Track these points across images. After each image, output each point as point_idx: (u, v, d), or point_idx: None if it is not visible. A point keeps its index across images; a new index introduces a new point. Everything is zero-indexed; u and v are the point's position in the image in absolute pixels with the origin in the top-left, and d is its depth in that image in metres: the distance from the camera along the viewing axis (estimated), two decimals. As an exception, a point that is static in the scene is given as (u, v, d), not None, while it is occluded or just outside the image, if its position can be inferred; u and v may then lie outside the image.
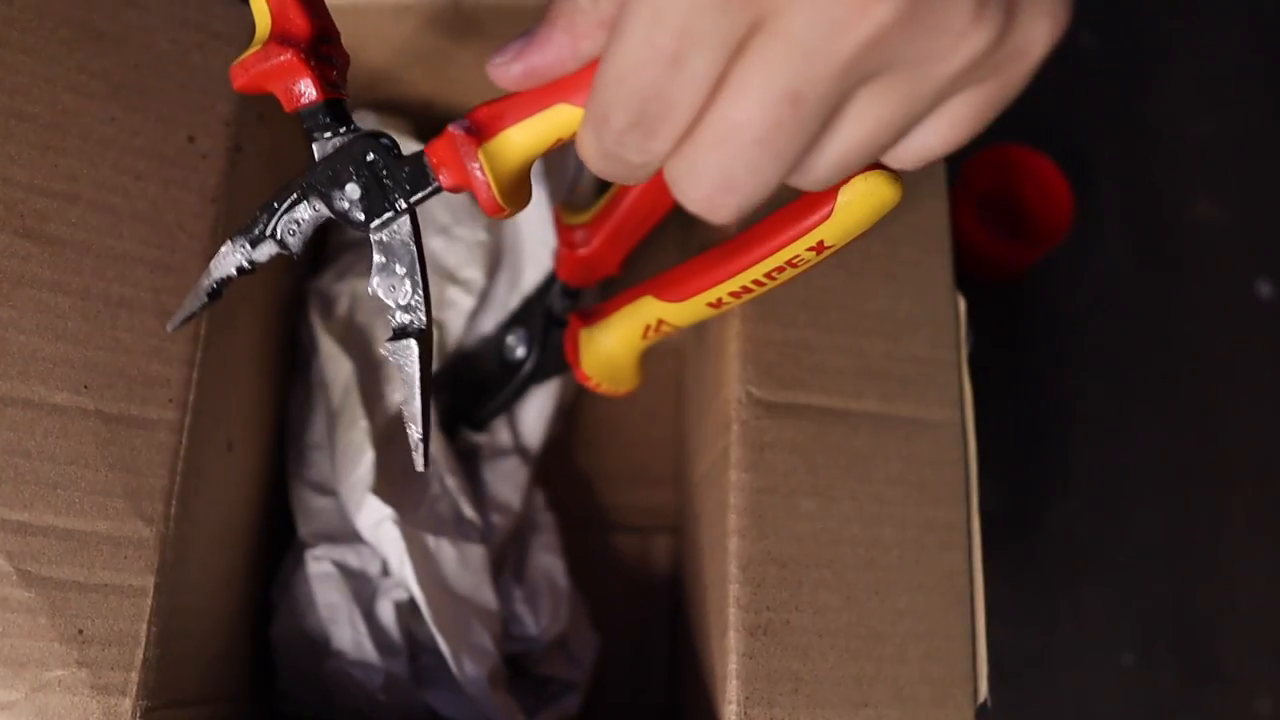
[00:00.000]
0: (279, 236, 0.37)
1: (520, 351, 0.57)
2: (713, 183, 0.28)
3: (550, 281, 0.56)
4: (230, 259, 0.37)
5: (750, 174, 0.27)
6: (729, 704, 0.43)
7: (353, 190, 0.35)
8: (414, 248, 0.35)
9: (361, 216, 0.35)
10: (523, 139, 0.33)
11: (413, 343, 0.36)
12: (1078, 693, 0.76)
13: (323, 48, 0.36)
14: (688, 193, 0.29)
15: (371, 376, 0.56)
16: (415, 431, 0.37)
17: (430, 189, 0.35)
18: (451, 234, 0.58)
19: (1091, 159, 0.86)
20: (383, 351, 0.38)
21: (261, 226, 0.37)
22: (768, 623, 0.44)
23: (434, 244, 0.58)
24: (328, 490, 0.55)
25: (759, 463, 0.46)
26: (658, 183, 0.47)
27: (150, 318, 0.44)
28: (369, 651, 0.52)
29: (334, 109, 0.36)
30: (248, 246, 0.37)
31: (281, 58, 0.35)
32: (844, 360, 0.48)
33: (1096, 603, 0.78)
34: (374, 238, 0.35)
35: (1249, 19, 0.92)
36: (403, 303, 0.36)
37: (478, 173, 0.33)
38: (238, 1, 0.50)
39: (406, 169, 0.35)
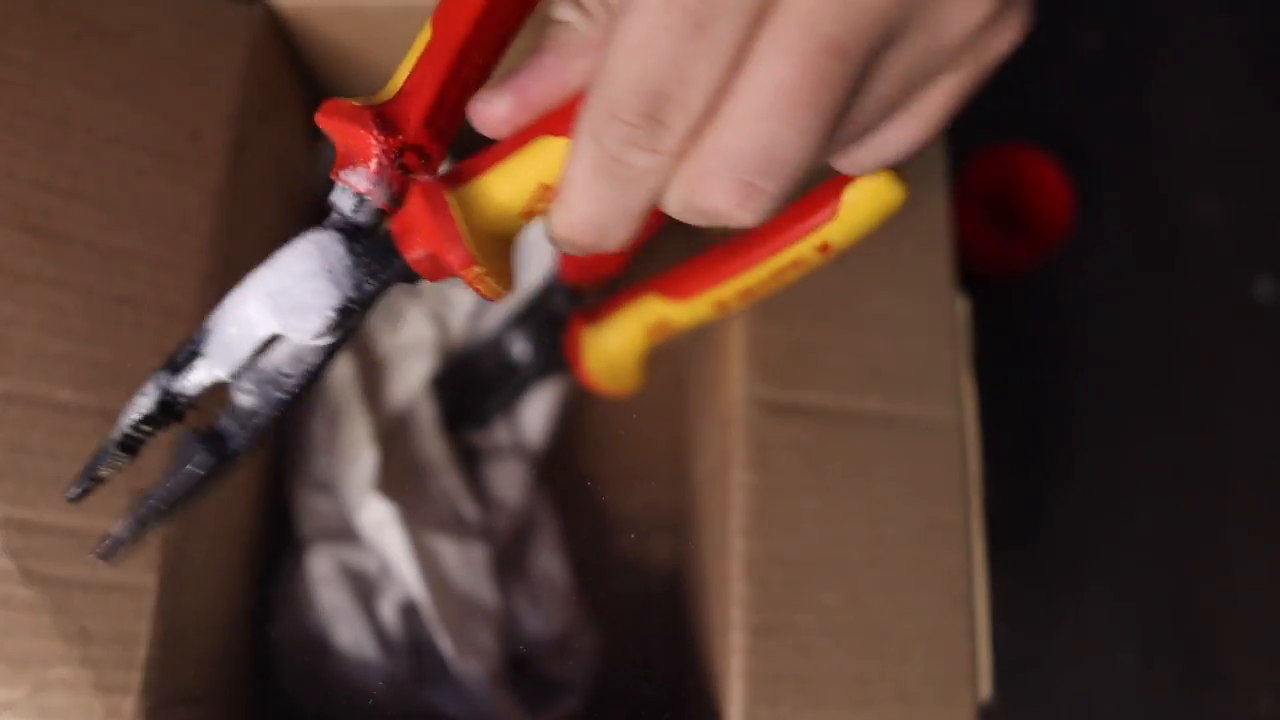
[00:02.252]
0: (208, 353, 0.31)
1: (522, 351, 0.57)
2: (749, 167, 0.25)
3: (551, 281, 0.56)
4: (143, 400, 0.32)
5: (794, 146, 0.25)
6: (733, 703, 0.43)
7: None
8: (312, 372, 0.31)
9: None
10: (501, 185, 0.29)
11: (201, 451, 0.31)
12: (1078, 693, 0.76)
13: (409, 155, 0.31)
14: (712, 193, 0.26)
15: (371, 375, 0.56)
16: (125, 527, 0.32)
17: (389, 273, 0.30)
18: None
19: (1092, 159, 0.86)
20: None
21: (191, 346, 0.31)
22: (771, 622, 0.44)
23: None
24: (328, 489, 0.55)
25: (762, 462, 0.46)
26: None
27: (153, 315, 0.44)
28: (370, 651, 0.52)
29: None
30: (168, 377, 0.32)
31: (360, 126, 0.30)
32: (846, 360, 0.48)
33: (1096, 603, 0.78)
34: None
35: (1249, 19, 0.92)
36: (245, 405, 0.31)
37: (448, 224, 0.28)
38: (241, 0, 0.50)
39: (366, 252, 0.30)
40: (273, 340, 0.30)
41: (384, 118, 0.31)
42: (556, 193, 0.27)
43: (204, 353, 0.31)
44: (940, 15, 0.25)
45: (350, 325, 0.30)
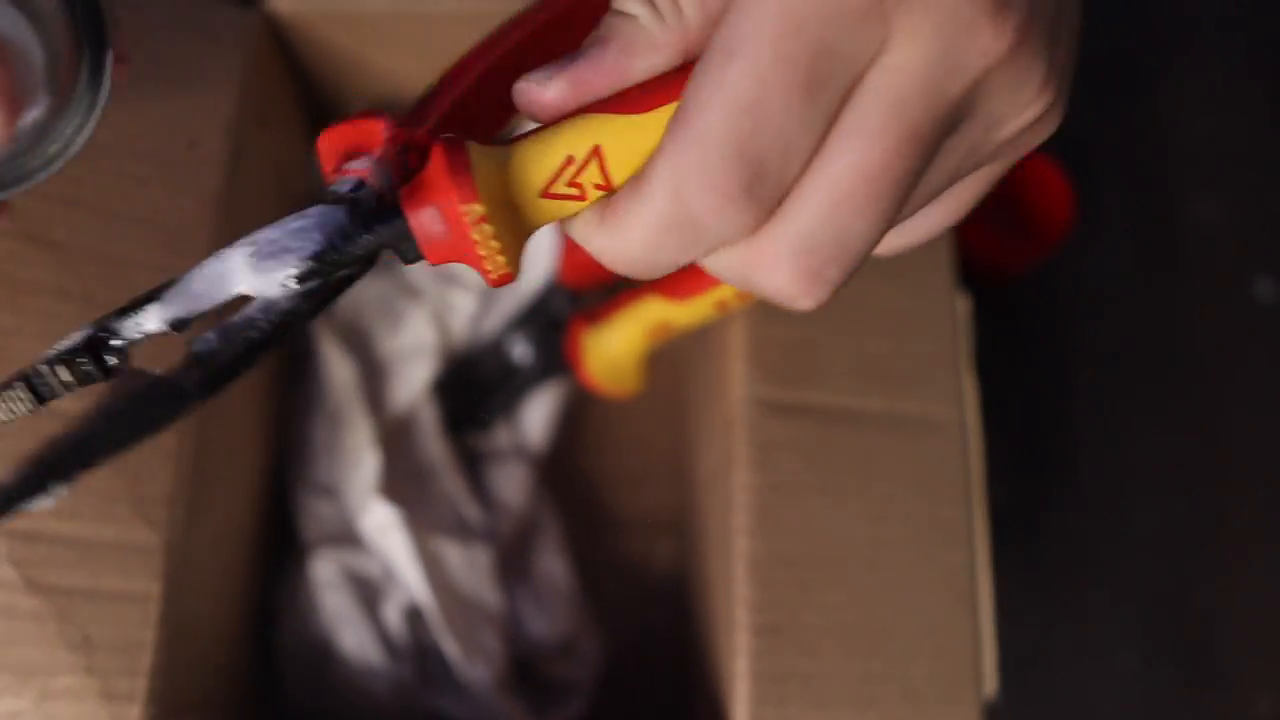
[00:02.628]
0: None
1: (522, 354, 0.57)
2: (822, 255, 0.24)
3: (551, 283, 0.56)
4: (73, 335, 0.26)
5: (866, 237, 0.24)
6: (738, 703, 0.43)
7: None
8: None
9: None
10: (527, 153, 0.26)
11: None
12: (1078, 693, 0.76)
13: (413, 155, 0.27)
14: (778, 275, 0.25)
15: (373, 379, 0.56)
16: None
17: (385, 232, 0.26)
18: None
19: (1091, 159, 0.86)
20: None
21: (149, 294, 0.27)
22: (776, 622, 0.44)
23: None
24: (331, 493, 0.55)
25: (765, 462, 0.46)
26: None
27: (154, 322, 0.43)
28: (375, 655, 0.52)
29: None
30: (109, 319, 0.27)
31: (371, 119, 0.27)
32: (848, 359, 0.48)
33: (1096, 603, 0.78)
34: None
35: (1249, 20, 0.92)
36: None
37: (462, 171, 0.25)
38: (238, 5, 0.50)
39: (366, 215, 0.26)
40: (243, 301, 0.26)
41: (399, 117, 0.29)
42: (609, 210, 0.26)
43: (162, 299, 0.26)
44: (997, 108, 0.25)
45: (330, 281, 0.26)
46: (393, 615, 0.52)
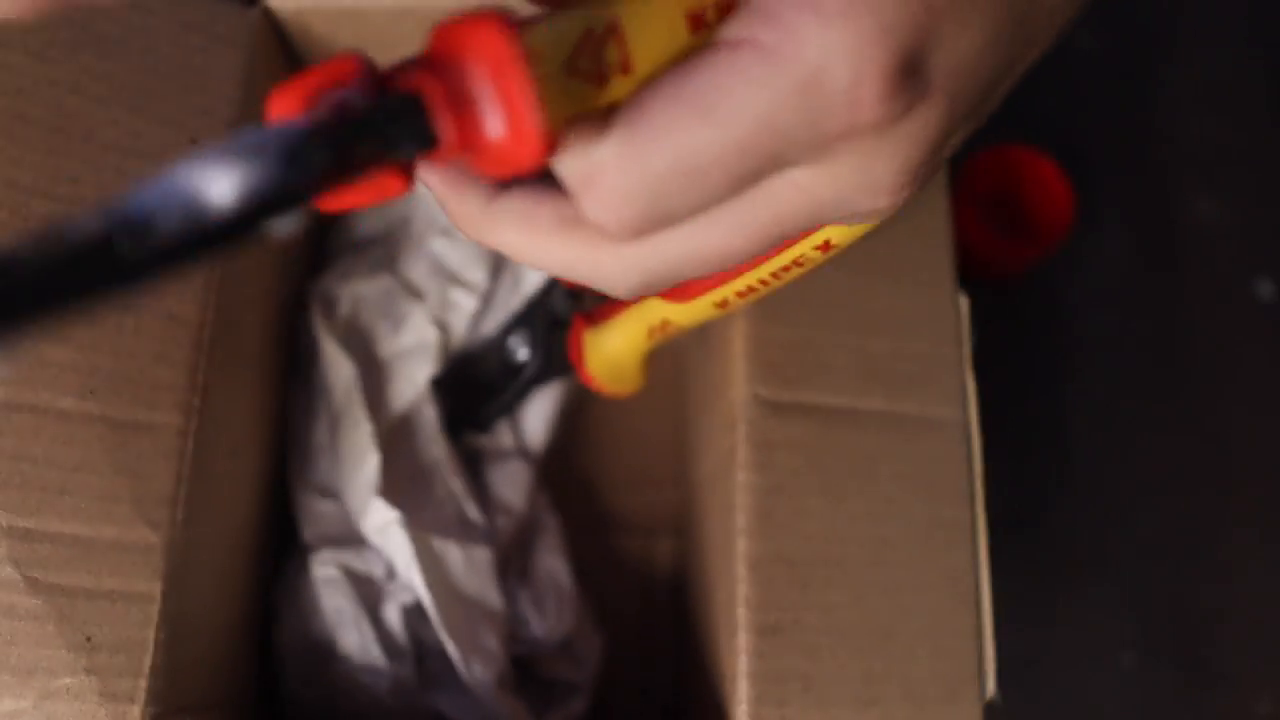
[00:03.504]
0: None
1: (523, 354, 0.57)
2: (657, 272, 0.27)
3: (552, 283, 0.56)
4: None
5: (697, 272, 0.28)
6: (739, 704, 0.43)
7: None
8: None
9: None
10: (556, 19, 0.23)
11: None
12: (1078, 693, 0.76)
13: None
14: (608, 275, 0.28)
15: (373, 378, 0.56)
16: None
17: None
18: (455, 235, 0.58)
19: (1091, 159, 0.86)
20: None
21: None
22: (777, 622, 0.44)
23: (437, 245, 0.58)
24: (331, 494, 0.55)
25: (765, 462, 0.46)
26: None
27: (155, 322, 0.44)
28: (375, 655, 0.52)
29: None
30: None
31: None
32: (848, 359, 0.49)
33: (1096, 603, 0.78)
34: None
35: (1249, 20, 0.92)
36: None
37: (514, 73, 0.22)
38: (239, 4, 0.50)
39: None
40: None
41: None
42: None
43: None
44: (857, 215, 0.27)
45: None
46: (393, 615, 0.52)
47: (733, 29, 0.24)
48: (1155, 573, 0.79)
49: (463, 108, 0.22)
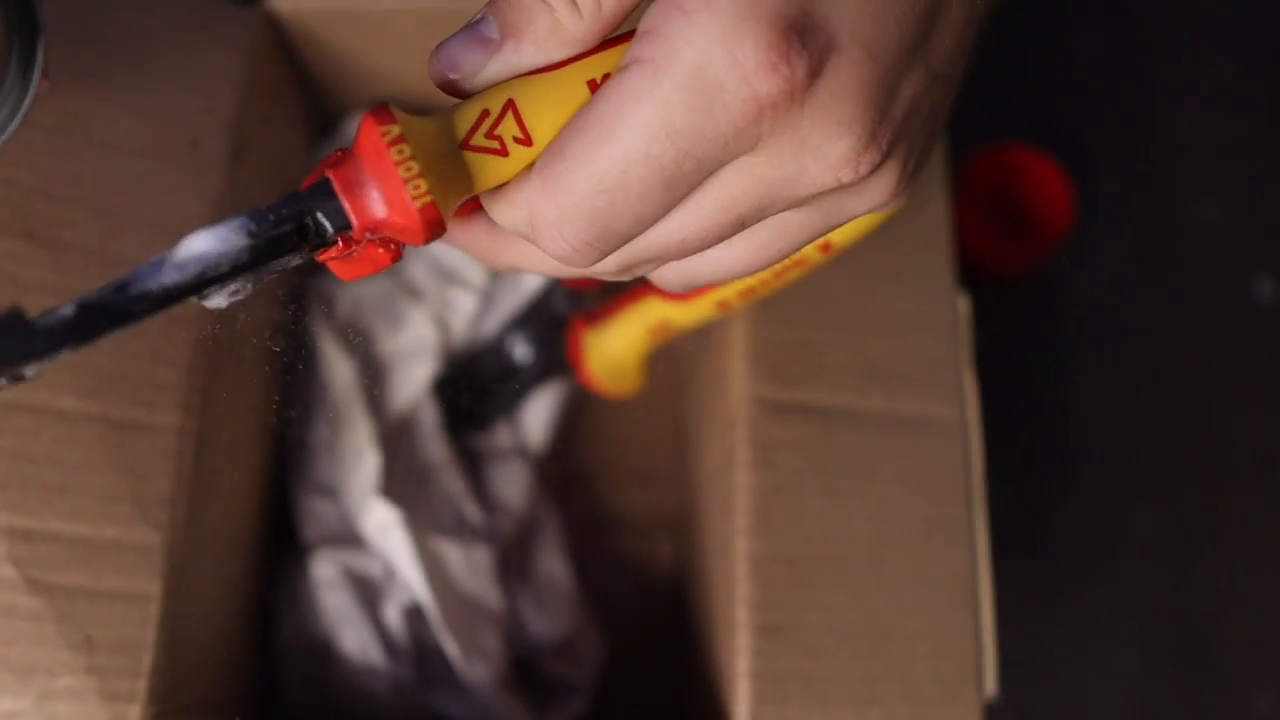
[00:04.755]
0: None
1: (523, 353, 0.57)
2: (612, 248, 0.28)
3: (552, 283, 0.56)
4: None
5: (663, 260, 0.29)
6: (739, 704, 0.43)
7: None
8: None
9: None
10: (454, 109, 0.27)
11: None
12: (1078, 693, 0.76)
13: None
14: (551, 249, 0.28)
15: (373, 378, 0.56)
16: None
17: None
18: (455, 236, 0.58)
19: (1091, 160, 0.86)
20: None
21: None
22: (777, 622, 0.44)
23: (436, 245, 0.58)
24: (331, 493, 0.55)
25: (766, 462, 0.46)
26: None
27: (155, 322, 0.43)
28: (375, 655, 0.52)
29: None
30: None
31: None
32: (849, 359, 0.48)
33: (1096, 603, 0.78)
34: None
35: (1249, 20, 0.92)
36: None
37: (381, 111, 0.26)
38: (239, 4, 0.50)
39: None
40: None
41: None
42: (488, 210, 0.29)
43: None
44: (840, 210, 0.28)
45: (267, 240, 0.26)
46: (393, 615, 0.52)
47: (625, 58, 0.26)
48: (1155, 573, 0.79)
49: (355, 192, 0.26)
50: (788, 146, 0.26)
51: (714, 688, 0.49)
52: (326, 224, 0.26)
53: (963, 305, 0.51)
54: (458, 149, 0.26)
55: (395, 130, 0.25)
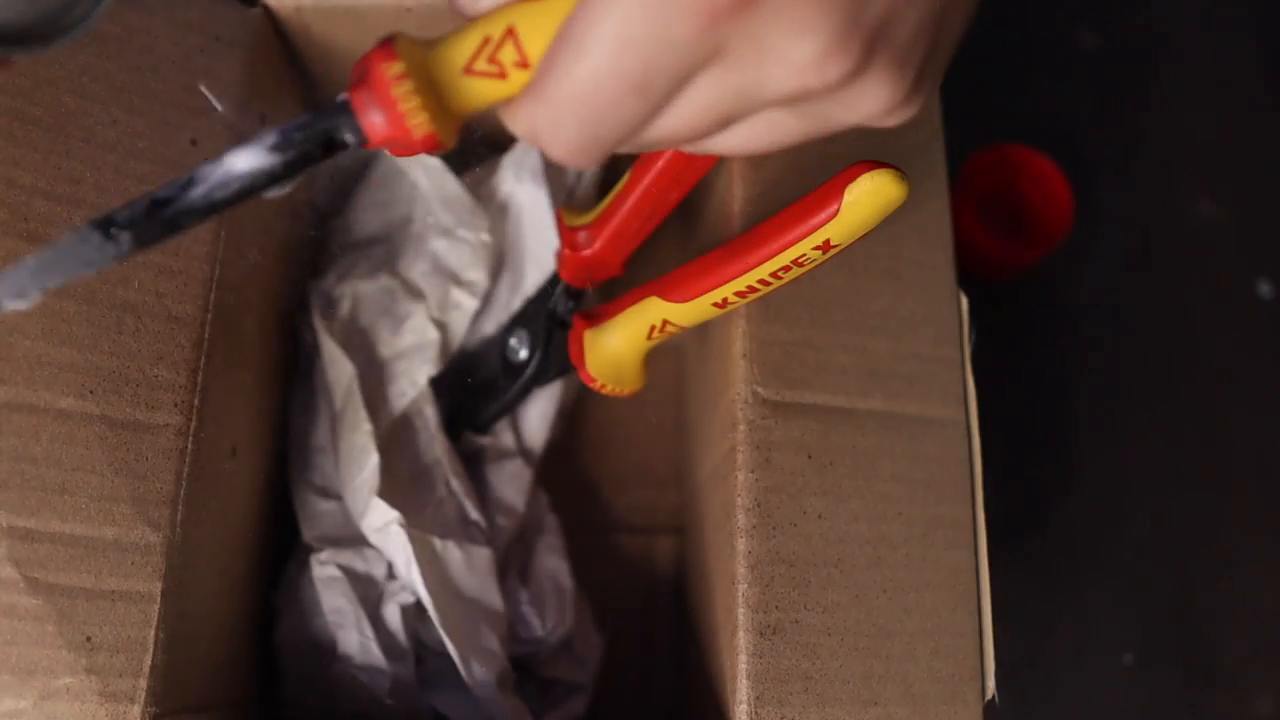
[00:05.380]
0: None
1: (523, 354, 0.57)
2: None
3: (552, 283, 0.56)
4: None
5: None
6: (739, 704, 0.43)
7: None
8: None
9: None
10: (455, 35, 0.29)
11: None
12: (1078, 693, 0.76)
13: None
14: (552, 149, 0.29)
15: (374, 378, 0.56)
16: None
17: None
18: (455, 235, 0.58)
19: (1091, 159, 0.86)
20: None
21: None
22: (777, 622, 0.44)
23: (437, 246, 0.58)
24: (332, 494, 0.55)
25: (766, 462, 0.46)
26: (661, 184, 0.47)
27: (155, 322, 0.44)
28: (375, 655, 0.52)
29: None
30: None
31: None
32: (849, 359, 0.48)
33: (1096, 603, 0.78)
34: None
35: (1249, 19, 0.92)
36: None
37: (384, 46, 0.28)
38: (239, 4, 0.50)
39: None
40: None
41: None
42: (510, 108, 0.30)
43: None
44: (835, 116, 0.29)
45: (296, 154, 0.29)
46: (393, 615, 0.52)
47: None
48: (1155, 573, 0.79)
49: (367, 114, 0.28)
50: (749, 53, 0.26)
51: (714, 688, 0.49)
52: (350, 136, 0.29)
53: (963, 305, 0.51)
54: (460, 75, 0.29)
55: (398, 68, 0.28)
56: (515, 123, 0.30)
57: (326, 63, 0.56)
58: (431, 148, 0.29)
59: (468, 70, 0.29)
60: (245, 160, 0.28)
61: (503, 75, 0.29)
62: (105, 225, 0.27)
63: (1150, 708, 0.76)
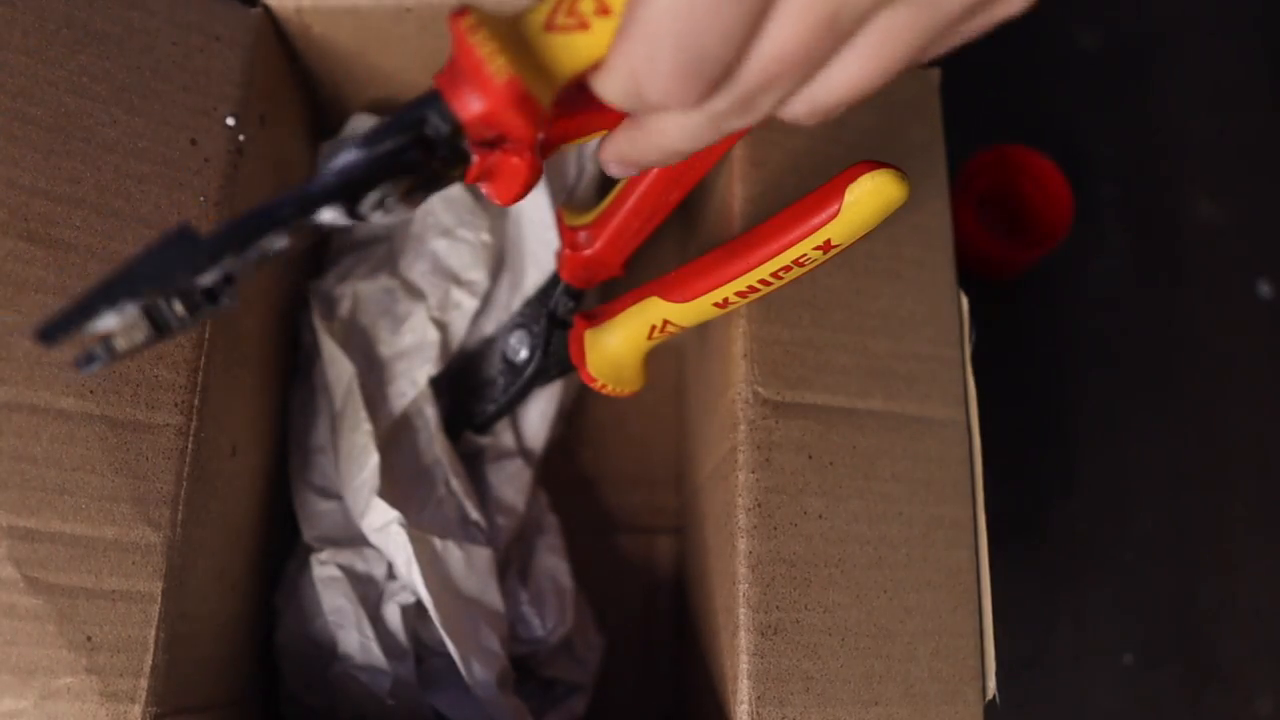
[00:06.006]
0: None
1: (523, 354, 0.57)
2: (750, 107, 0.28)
3: (552, 283, 0.56)
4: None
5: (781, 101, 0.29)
6: (740, 704, 0.43)
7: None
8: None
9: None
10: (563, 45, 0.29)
11: None
12: (1078, 693, 0.75)
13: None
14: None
15: (374, 378, 0.56)
16: None
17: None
18: (455, 235, 0.58)
19: (1091, 159, 0.86)
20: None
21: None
22: (778, 622, 0.44)
23: (438, 246, 0.58)
24: (332, 494, 0.55)
25: (766, 462, 0.46)
26: (661, 184, 0.47)
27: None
28: (375, 655, 0.52)
29: None
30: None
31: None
32: (849, 359, 0.48)
33: (1096, 603, 0.78)
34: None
35: (1250, 19, 0.92)
36: None
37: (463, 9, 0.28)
38: (239, 4, 0.50)
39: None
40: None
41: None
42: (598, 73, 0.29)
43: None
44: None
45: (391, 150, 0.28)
46: (393, 615, 0.52)
47: None
48: (1155, 573, 0.79)
49: (453, 88, 0.28)
50: None
51: (715, 687, 0.49)
52: (441, 126, 0.28)
53: (963, 305, 0.51)
54: (543, 33, 0.28)
55: (471, 19, 0.27)
56: (611, 76, 0.28)
57: (326, 63, 0.56)
58: (518, 104, 0.28)
59: (549, 26, 0.28)
60: (341, 159, 0.28)
61: (585, 26, 0.28)
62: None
63: (1150, 708, 0.76)
